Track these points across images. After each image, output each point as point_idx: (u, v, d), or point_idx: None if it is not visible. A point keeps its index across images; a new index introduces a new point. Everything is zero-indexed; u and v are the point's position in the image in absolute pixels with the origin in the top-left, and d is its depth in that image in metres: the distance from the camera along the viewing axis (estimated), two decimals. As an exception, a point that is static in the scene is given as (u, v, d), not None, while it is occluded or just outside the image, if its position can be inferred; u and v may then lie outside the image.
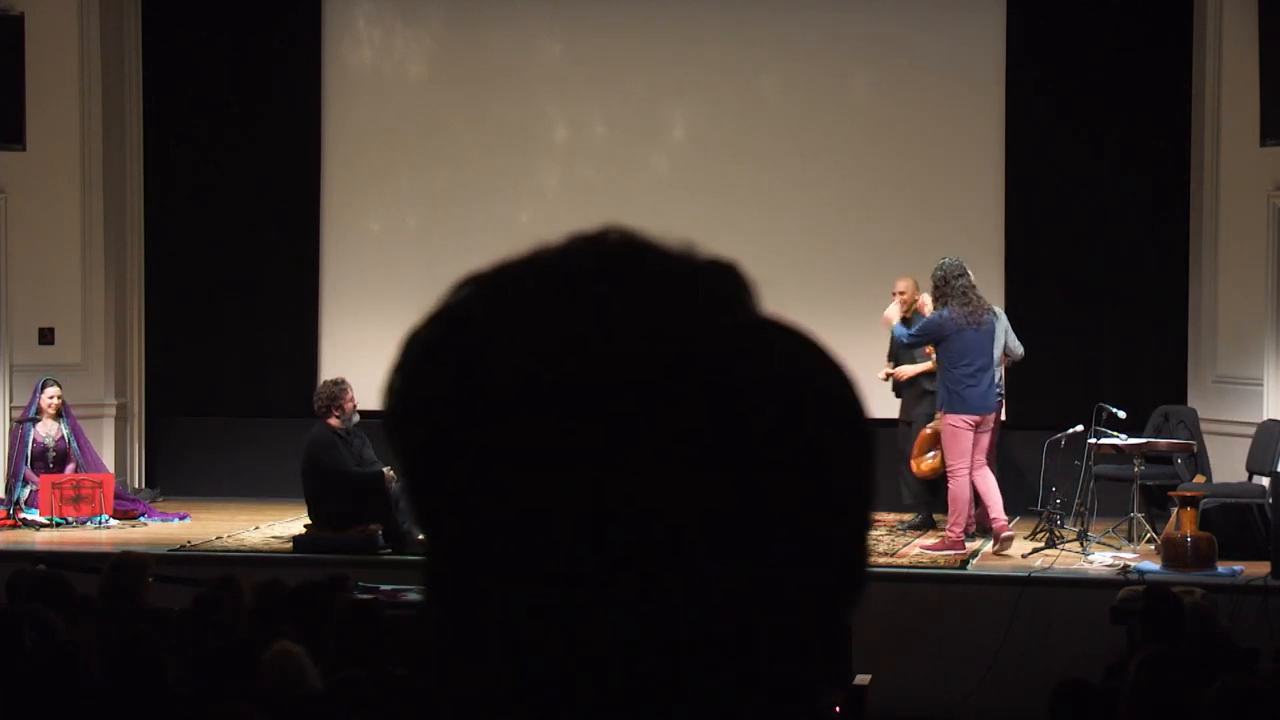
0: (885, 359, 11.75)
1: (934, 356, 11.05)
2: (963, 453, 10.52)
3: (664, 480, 0.86)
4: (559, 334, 0.87)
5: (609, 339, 0.87)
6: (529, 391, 0.86)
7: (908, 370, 11.55)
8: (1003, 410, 11.58)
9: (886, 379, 11.60)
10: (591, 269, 0.90)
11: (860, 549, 0.93)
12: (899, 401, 11.78)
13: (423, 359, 0.91)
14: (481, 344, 0.89)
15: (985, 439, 10.69)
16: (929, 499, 11.73)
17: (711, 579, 0.86)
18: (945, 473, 10.80)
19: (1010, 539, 10.68)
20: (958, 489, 10.59)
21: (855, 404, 0.93)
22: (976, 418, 10.52)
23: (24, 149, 12.97)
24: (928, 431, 11.27)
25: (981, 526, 10.99)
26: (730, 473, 0.87)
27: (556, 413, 0.86)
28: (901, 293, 11.53)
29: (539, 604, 0.86)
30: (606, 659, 0.86)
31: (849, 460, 0.92)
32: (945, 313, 10.46)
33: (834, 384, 0.93)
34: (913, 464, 11.40)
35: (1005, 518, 10.78)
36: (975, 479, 10.61)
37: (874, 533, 11.43)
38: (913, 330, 10.68)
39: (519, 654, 0.87)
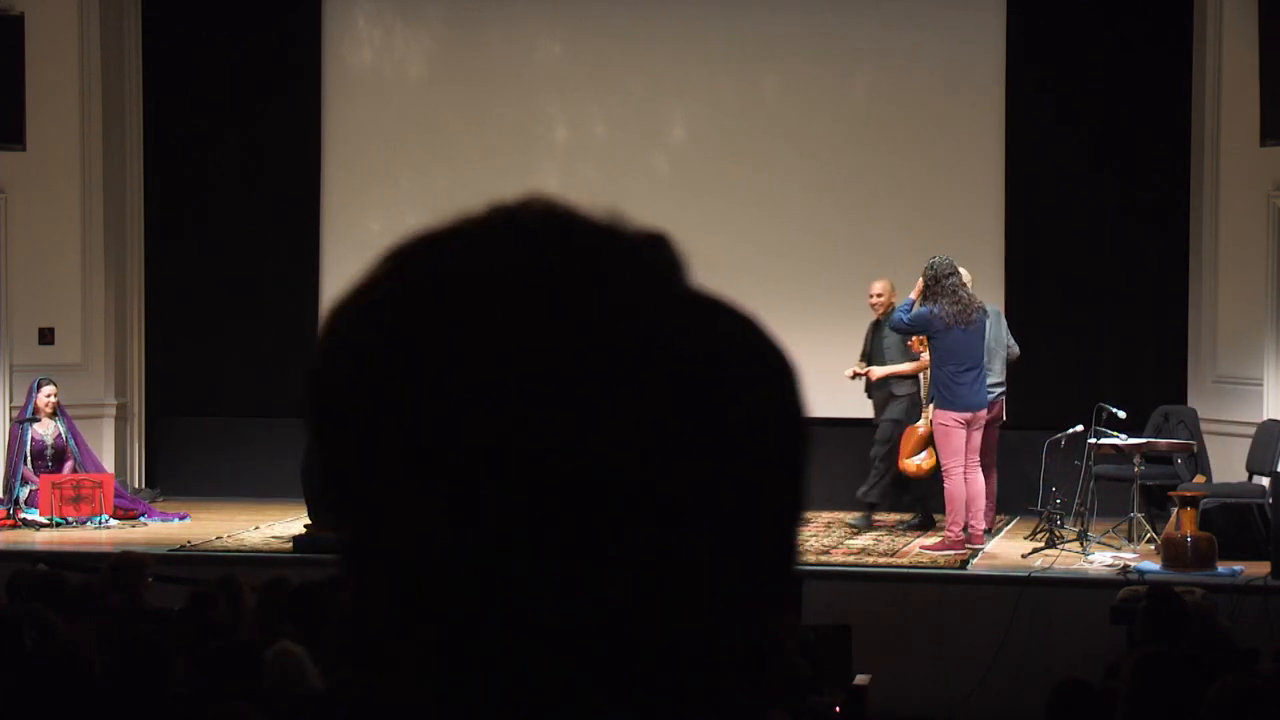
0: (859, 357, 11.69)
1: (923, 355, 11.13)
2: (955, 451, 10.53)
3: (591, 458, 0.81)
4: (479, 309, 0.83)
5: (531, 313, 0.83)
6: (447, 366, 0.82)
7: (878, 371, 11.50)
8: (1003, 410, 11.59)
9: (854, 378, 11.53)
10: (512, 240, 0.86)
11: (790, 539, 0.88)
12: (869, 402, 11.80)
13: (338, 337, 0.87)
14: (399, 318, 0.85)
15: (978, 438, 10.69)
16: (893, 498, 11.72)
17: (637, 564, 0.82)
18: (940, 472, 10.82)
19: (979, 550, 10.70)
20: (953, 488, 10.59)
21: (793, 385, 0.88)
22: (966, 415, 10.53)
23: (24, 149, 12.97)
24: (920, 431, 11.28)
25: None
26: (659, 450, 0.82)
27: (475, 388, 0.82)
28: (879, 295, 11.54)
29: (456, 587, 0.82)
30: (527, 646, 0.82)
31: (784, 442, 0.87)
32: (936, 309, 10.47)
33: (771, 363, 0.88)
34: (902, 464, 11.40)
35: (984, 526, 10.79)
36: (967, 480, 10.62)
37: (875, 533, 11.54)
38: (905, 319, 10.64)
39: (435, 641, 0.83)
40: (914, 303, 10.65)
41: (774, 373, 0.88)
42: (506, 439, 0.81)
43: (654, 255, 0.88)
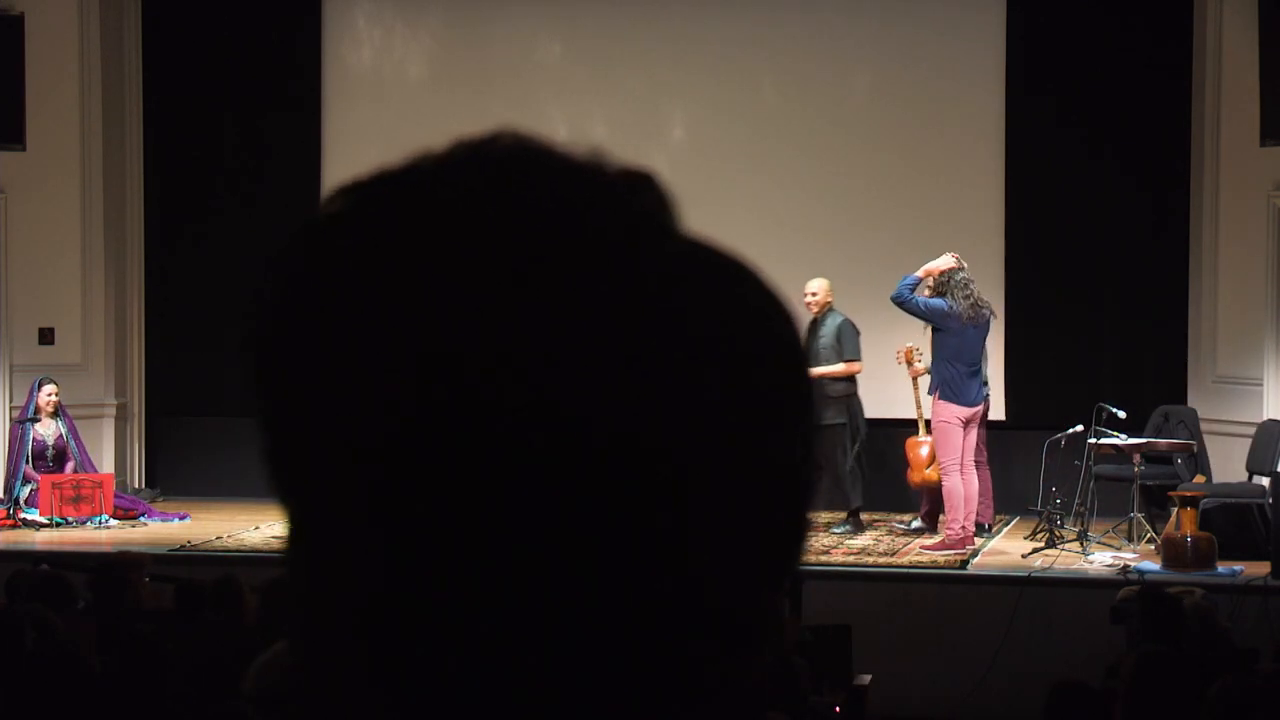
0: None
1: (915, 356, 11.22)
2: (954, 449, 10.58)
3: (568, 426, 0.71)
4: (437, 252, 0.73)
5: (499, 257, 0.73)
6: (402, 318, 0.72)
7: (814, 371, 11.45)
8: (989, 407, 11.63)
9: None
10: (478, 179, 0.76)
11: (796, 521, 0.78)
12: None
13: (283, 281, 0.78)
14: (350, 263, 0.75)
15: (974, 436, 10.73)
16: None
17: (618, 551, 0.72)
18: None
19: (979, 550, 10.73)
20: (952, 485, 10.62)
21: (795, 342, 0.79)
22: (968, 412, 10.59)
23: (24, 149, 12.98)
24: (923, 447, 11.31)
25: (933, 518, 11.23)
26: (649, 416, 0.72)
27: (433, 345, 0.72)
28: (814, 294, 11.52)
29: (404, 568, 0.72)
30: (498, 641, 0.72)
31: (788, 406, 0.78)
32: (955, 306, 10.51)
33: (772, 317, 0.79)
34: (922, 475, 11.37)
35: (974, 528, 10.83)
36: (965, 479, 10.66)
37: (875, 533, 11.53)
38: (920, 303, 10.62)
39: (376, 628, 0.74)
40: (920, 280, 10.63)
41: (775, 328, 0.79)
42: (465, 403, 0.71)
43: (639, 195, 0.78)
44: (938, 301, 10.59)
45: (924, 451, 11.39)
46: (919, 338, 11.44)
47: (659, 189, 0.79)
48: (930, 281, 10.73)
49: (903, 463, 11.69)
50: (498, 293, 0.73)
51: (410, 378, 0.72)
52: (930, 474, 11.28)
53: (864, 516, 11.71)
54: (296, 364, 0.75)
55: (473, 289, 0.73)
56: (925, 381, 11.24)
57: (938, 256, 10.80)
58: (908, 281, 10.62)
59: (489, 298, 0.72)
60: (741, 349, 0.76)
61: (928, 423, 11.22)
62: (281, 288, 0.78)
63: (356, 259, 0.76)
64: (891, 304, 10.77)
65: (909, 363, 11.41)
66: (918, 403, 11.46)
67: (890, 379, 11.82)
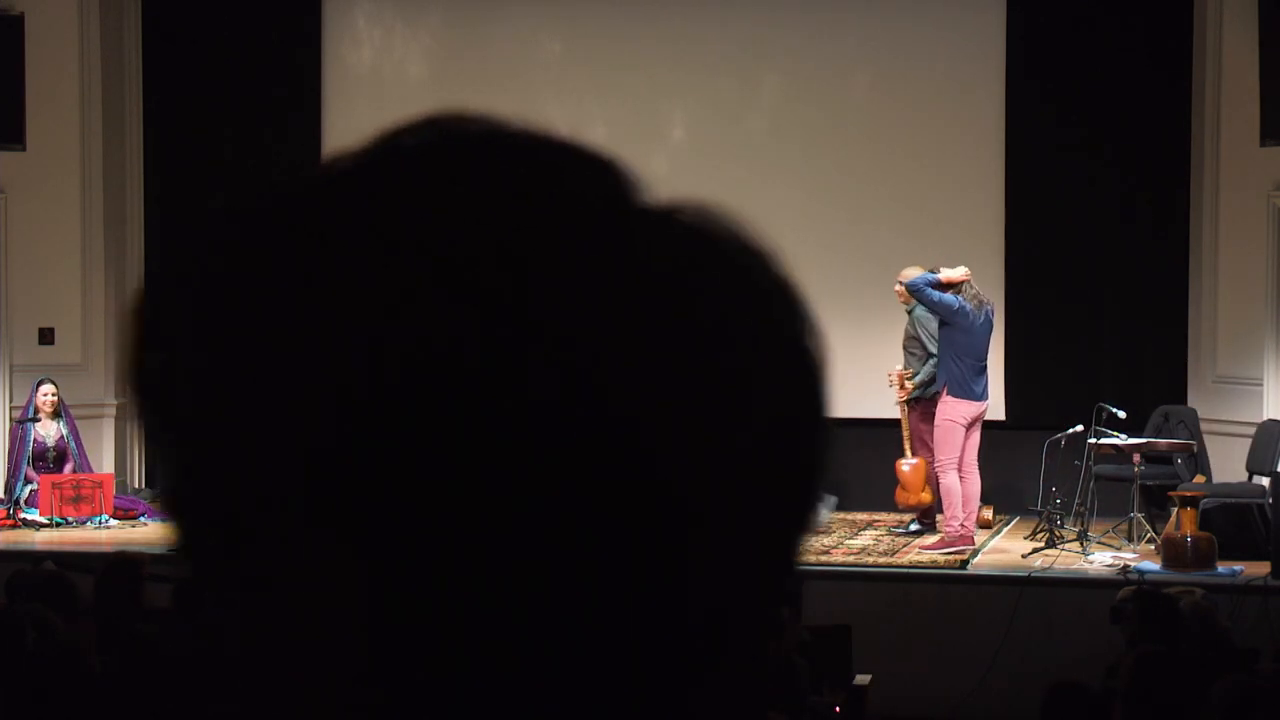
0: None
1: (908, 380, 11.23)
2: (954, 447, 10.59)
3: (550, 422, 0.66)
4: (377, 243, 0.67)
5: (448, 246, 0.67)
6: (373, 315, 0.67)
7: None
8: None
9: None
10: (423, 162, 0.70)
11: (800, 518, 0.74)
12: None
13: (221, 276, 0.71)
14: (274, 260, 0.69)
15: (976, 436, 10.74)
16: None
17: (610, 542, 0.68)
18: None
19: (979, 550, 10.75)
20: (949, 484, 10.63)
21: (800, 312, 0.72)
22: (974, 411, 10.60)
23: (24, 149, 12.98)
24: (905, 465, 11.31)
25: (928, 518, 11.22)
26: (640, 408, 0.67)
27: (410, 343, 0.66)
28: None
29: (397, 575, 0.68)
30: (485, 642, 0.68)
31: (793, 390, 0.72)
32: (967, 305, 10.56)
33: (769, 285, 0.72)
34: (918, 497, 11.33)
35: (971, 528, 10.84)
36: (966, 479, 10.67)
37: (876, 533, 11.52)
38: (935, 295, 10.65)
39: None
40: (939, 281, 10.67)
41: (774, 298, 0.72)
42: (453, 402, 0.66)
43: (601, 175, 0.72)
44: (950, 297, 10.64)
45: (905, 468, 11.34)
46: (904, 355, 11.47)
47: (618, 168, 0.72)
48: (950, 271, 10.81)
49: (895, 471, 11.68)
50: (465, 282, 0.66)
51: (394, 376, 0.66)
52: (925, 496, 11.27)
53: (862, 516, 11.72)
54: (260, 367, 0.69)
55: (414, 283, 0.67)
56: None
57: (938, 257, 10.82)
58: (929, 278, 10.68)
59: (438, 294, 0.66)
60: (745, 332, 0.70)
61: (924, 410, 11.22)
62: (219, 285, 0.70)
63: (273, 260, 0.69)
64: (887, 303, 10.80)
65: (900, 385, 11.38)
66: (905, 426, 11.41)
67: (885, 379, 11.80)
